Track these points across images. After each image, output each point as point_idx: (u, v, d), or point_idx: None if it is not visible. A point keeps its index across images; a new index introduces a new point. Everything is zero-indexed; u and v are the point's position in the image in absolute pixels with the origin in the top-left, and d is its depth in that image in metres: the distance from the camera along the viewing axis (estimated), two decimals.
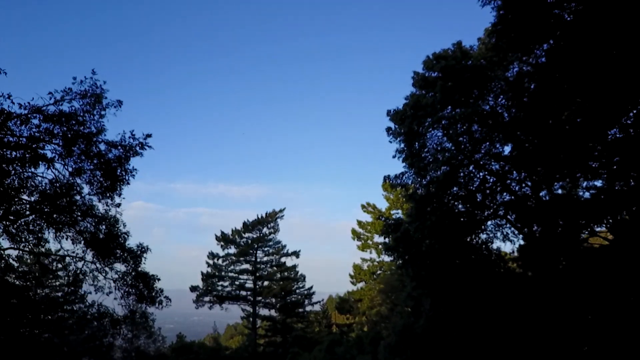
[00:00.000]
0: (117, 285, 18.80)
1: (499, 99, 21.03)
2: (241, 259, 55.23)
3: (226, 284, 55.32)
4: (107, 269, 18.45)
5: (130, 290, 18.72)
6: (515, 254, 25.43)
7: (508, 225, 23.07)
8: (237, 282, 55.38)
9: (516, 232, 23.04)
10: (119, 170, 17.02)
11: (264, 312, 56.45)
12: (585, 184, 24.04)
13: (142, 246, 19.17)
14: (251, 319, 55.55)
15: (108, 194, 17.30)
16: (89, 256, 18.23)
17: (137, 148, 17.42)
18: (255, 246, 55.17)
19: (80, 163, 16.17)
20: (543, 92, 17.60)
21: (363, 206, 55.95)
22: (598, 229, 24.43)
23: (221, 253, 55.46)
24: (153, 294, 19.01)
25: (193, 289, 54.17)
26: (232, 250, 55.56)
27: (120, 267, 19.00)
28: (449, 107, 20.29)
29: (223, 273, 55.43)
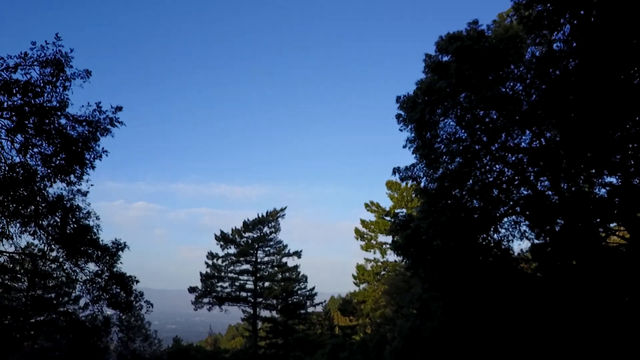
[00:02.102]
0: (87, 289, 16.47)
1: (517, 86, 19.44)
2: (241, 259, 53.61)
3: (226, 284, 53.75)
4: (76, 269, 16.07)
5: (102, 294, 16.40)
6: (527, 253, 23.96)
7: (526, 222, 21.45)
8: (237, 283, 53.79)
9: (535, 229, 21.38)
10: (84, 151, 14.71)
11: (264, 313, 54.92)
12: (600, 180, 22.70)
13: (118, 243, 16.75)
14: (252, 321, 53.97)
15: (66, 178, 14.86)
16: (54, 253, 16.01)
17: (106, 124, 15.01)
18: (256, 246, 53.57)
19: (35, 140, 13.82)
20: (568, 74, 16.03)
21: (367, 205, 54.65)
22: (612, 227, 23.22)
23: (221, 253, 53.92)
24: (131, 298, 16.76)
25: (192, 290, 52.59)
26: (232, 250, 54.03)
27: (92, 267, 16.66)
28: (465, 92, 18.60)
29: (223, 274, 53.83)
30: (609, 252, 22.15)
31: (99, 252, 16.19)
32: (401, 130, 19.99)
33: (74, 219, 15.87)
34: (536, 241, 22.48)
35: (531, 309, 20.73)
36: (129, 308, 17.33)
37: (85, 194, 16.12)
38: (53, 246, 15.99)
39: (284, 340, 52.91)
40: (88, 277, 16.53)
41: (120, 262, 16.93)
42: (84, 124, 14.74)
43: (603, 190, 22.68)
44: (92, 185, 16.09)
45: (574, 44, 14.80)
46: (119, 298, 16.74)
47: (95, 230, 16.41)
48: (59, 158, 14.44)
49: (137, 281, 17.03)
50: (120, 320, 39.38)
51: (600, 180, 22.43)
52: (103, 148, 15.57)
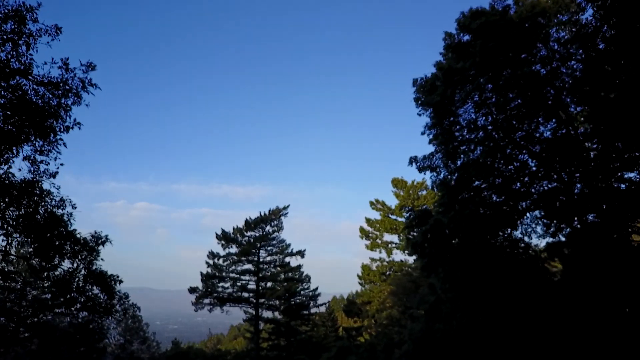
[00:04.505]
0: (58, 290, 14.46)
1: (542, 70, 17.91)
2: (243, 258, 51.96)
3: (227, 285, 52.06)
4: (49, 266, 14.07)
5: (77, 296, 14.41)
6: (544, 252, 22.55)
7: (549, 218, 19.86)
8: (238, 283, 52.15)
9: (559, 224, 19.80)
10: (46, 118, 12.13)
11: (267, 314, 53.31)
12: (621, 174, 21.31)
13: (98, 236, 14.52)
14: (253, 322, 52.40)
15: (21, 150, 12.30)
16: (17, 249, 13.96)
17: (78, 87, 12.51)
18: (258, 245, 51.93)
19: None
20: (602, 54, 14.52)
21: (372, 203, 53.37)
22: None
23: (222, 253, 52.23)
24: (114, 300, 14.79)
25: (192, 290, 50.99)
26: (234, 249, 52.32)
27: (67, 264, 14.19)
28: (489, 74, 16.98)
29: (224, 274, 52.19)
30: (633, 251, 20.85)
31: (76, 247, 13.85)
32: (420, 114, 18.40)
33: (44, 207, 13.46)
34: (559, 238, 21.04)
35: (556, 311, 19.26)
36: (109, 312, 15.19)
37: (54, 175, 13.56)
38: (20, 240, 13.65)
39: (287, 341, 51.38)
40: (60, 276, 14.18)
41: (101, 259, 14.65)
42: (49, 87, 12.29)
43: (623, 185, 21.39)
44: (62, 164, 13.61)
45: (614, 20, 13.27)
46: (98, 300, 14.64)
47: (67, 219, 13.96)
48: (9, 124, 12.01)
49: (121, 281, 14.79)
50: (117, 322, 37.82)
51: (621, 175, 21.08)
52: (75, 119, 13.06)
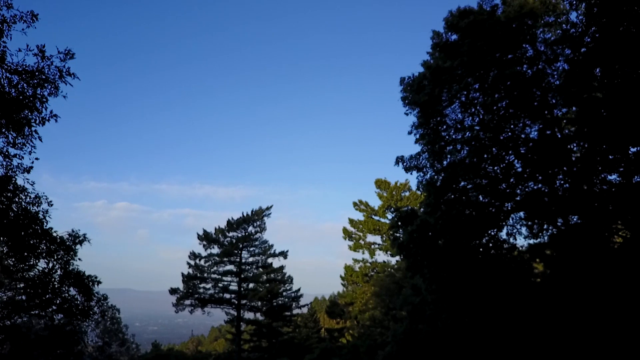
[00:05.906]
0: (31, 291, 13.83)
1: (528, 71, 17.95)
2: (225, 259, 51.37)
3: (209, 286, 51.45)
4: (24, 267, 13.47)
5: (52, 297, 13.77)
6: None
7: (535, 219, 19.92)
8: (220, 284, 51.57)
9: (543, 225, 19.86)
10: (19, 108, 11.33)
11: (249, 315, 52.79)
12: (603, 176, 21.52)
13: (75, 234, 13.95)
14: (235, 323, 51.84)
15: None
16: None
17: (54, 76, 11.72)
18: (240, 246, 51.41)
19: None
20: (587, 55, 14.55)
21: (355, 204, 53.26)
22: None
23: (204, 253, 51.59)
24: (92, 302, 14.24)
25: (173, 291, 50.23)
26: (216, 250, 51.76)
27: (42, 264, 13.79)
28: (477, 73, 16.92)
29: (205, 274, 51.54)
30: (612, 253, 21.06)
31: (52, 246, 13.14)
32: (407, 114, 18.24)
33: (18, 204, 12.55)
34: (543, 239, 21.13)
35: (539, 312, 19.31)
36: (86, 315, 14.55)
37: (28, 170, 12.67)
38: None
39: (269, 343, 50.94)
40: (35, 276, 13.56)
41: (78, 259, 14.05)
42: (24, 75, 11.41)
43: (605, 187, 21.59)
44: (37, 159, 12.63)
45: (602, 21, 13.26)
46: (75, 302, 14.02)
47: (42, 217, 12.99)
48: None
49: (99, 282, 14.26)
50: (96, 324, 36.89)
51: (604, 177, 21.28)
52: (52, 111, 12.24)
